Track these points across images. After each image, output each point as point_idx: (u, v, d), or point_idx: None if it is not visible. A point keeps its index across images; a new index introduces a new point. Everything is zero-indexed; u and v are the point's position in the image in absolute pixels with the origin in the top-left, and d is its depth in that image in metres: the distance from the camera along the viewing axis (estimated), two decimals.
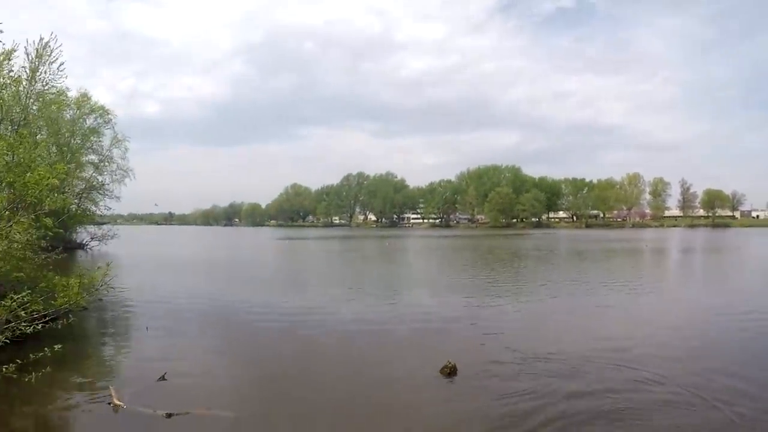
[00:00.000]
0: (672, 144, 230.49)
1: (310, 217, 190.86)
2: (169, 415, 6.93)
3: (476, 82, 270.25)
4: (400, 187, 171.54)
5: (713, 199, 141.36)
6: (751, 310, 15.44)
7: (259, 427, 7.15)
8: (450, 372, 8.98)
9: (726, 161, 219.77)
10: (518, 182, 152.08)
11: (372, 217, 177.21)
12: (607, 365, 9.52)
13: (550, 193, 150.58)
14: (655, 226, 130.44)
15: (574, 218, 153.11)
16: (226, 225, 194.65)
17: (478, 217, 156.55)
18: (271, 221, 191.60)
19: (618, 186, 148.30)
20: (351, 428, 7.15)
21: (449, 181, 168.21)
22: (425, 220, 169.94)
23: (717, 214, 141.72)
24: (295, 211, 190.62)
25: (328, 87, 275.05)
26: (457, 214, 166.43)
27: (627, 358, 9.99)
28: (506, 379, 8.87)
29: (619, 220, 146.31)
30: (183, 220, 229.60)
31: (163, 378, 8.45)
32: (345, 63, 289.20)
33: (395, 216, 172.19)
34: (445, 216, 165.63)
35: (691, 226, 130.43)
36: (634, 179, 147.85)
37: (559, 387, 8.34)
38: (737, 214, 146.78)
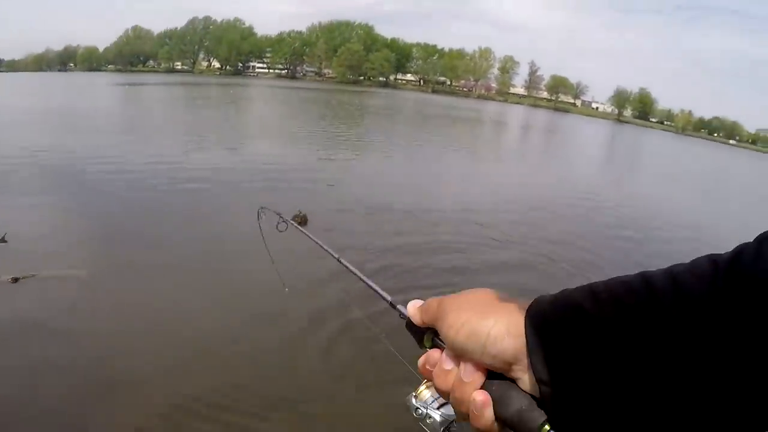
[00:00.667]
0: (527, 26, 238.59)
1: (151, 62, 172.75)
2: (15, 280, 6.52)
3: None
4: (247, 34, 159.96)
5: (558, 85, 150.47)
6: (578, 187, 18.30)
7: (111, 285, 6.84)
8: (301, 221, 9.19)
9: (578, 53, 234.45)
10: (369, 41, 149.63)
11: (216, 64, 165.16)
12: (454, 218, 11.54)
13: (400, 55, 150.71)
14: (499, 101, 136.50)
15: (422, 82, 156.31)
16: (60, 71, 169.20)
17: (326, 71, 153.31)
18: (110, 66, 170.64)
19: (468, 57, 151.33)
20: (198, 282, 7.23)
21: (299, 33, 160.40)
22: (271, 71, 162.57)
23: (559, 99, 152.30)
24: (135, 55, 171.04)
25: None
26: (305, 66, 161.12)
27: (467, 213, 12.17)
28: (354, 225, 10.12)
29: (465, 90, 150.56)
30: (12, 66, 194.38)
31: (2, 240, 7.79)
32: None
33: (240, 64, 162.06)
34: (292, 68, 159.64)
35: (534, 105, 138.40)
36: (486, 53, 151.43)
37: (395, 229, 10.17)
38: (578, 103, 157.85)
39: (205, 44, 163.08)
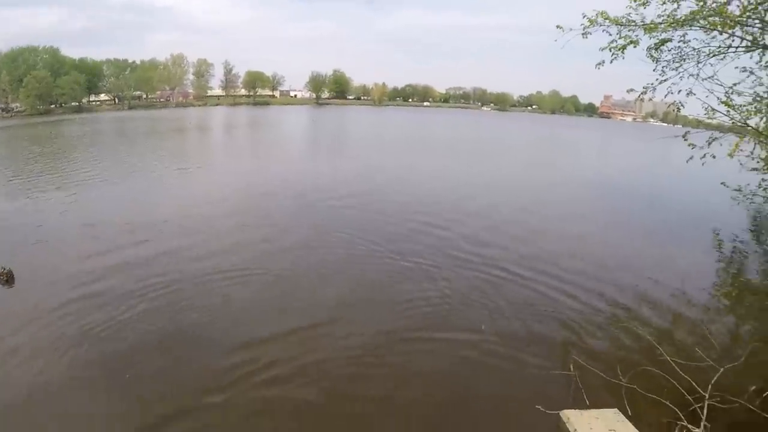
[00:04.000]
0: (218, 27, 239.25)
1: None
2: None
3: None
4: None
5: (255, 80, 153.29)
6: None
7: None
8: (7, 279, 9.22)
9: (269, 46, 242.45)
10: (57, 64, 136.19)
11: None
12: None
13: (91, 75, 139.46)
14: (199, 105, 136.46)
15: (116, 100, 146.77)
16: None
17: (14, 105, 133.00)
18: None
19: (162, 67, 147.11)
20: None
21: None
22: None
23: (258, 94, 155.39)
24: None
25: None
26: None
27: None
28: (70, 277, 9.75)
29: (162, 100, 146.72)
30: None
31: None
32: None
33: None
34: None
35: (234, 104, 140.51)
36: (179, 60, 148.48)
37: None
38: (277, 94, 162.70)
39: None
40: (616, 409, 5.30)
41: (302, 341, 7.49)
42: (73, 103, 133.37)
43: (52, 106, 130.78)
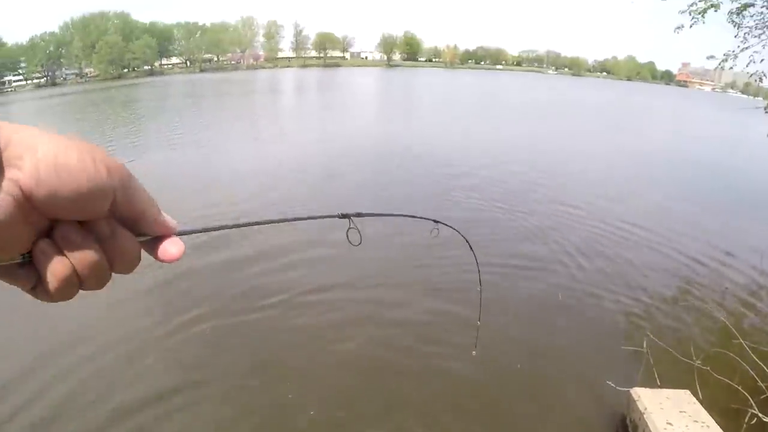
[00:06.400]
0: None
1: None
2: None
3: None
4: None
5: (325, 41, 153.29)
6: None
7: None
8: None
9: (338, 6, 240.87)
10: (128, 29, 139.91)
11: None
12: None
13: (162, 39, 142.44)
14: (269, 68, 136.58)
15: (187, 63, 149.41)
16: None
17: (87, 70, 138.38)
18: None
19: (232, 29, 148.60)
20: None
21: (53, 34, 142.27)
22: (29, 82, 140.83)
23: (329, 55, 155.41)
24: None
25: None
26: (64, 69, 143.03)
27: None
28: None
29: (233, 62, 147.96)
30: None
31: None
32: None
33: None
34: (51, 74, 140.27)
35: (304, 66, 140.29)
36: (249, 22, 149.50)
37: None
38: (347, 55, 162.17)
39: None
40: (687, 390, 5.08)
41: None
42: (145, 67, 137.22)
43: (125, 70, 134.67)
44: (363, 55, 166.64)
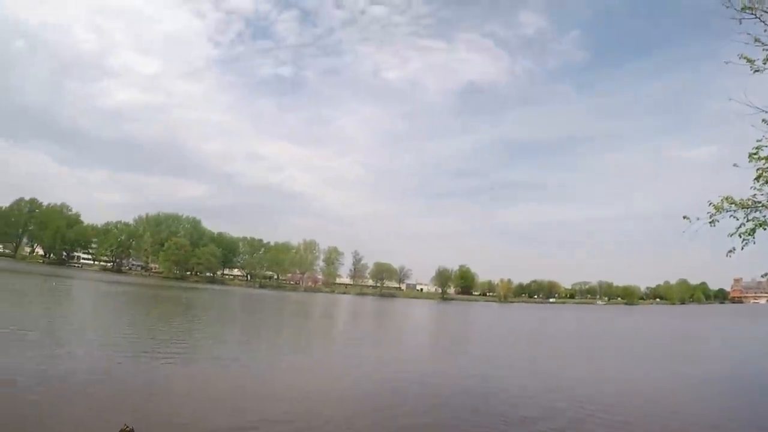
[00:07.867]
0: (349, 217, 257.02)
1: None
2: None
3: (175, 126, 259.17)
4: (73, 222, 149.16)
5: (382, 271, 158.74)
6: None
7: None
8: None
9: (396, 239, 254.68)
10: (197, 235, 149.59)
11: (40, 251, 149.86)
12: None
13: (227, 250, 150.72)
14: (327, 291, 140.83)
15: (248, 277, 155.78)
16: None
17: (153, 265, 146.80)
18: None
19: (294, 250, 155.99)
20: None
21: (126, 224, 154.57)
22: (96, 263, 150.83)
23: (385, 285, 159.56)
24: None
25: (24, 96, 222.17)
26: (131, 260, 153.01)
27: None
28: None
29: (292, 282, 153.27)
30: None
31: None
32: (50, 75, 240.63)
33: (65, 253, 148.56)
34: (118, 260, 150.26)
35: (361, 294, 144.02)
36: (311, 246, 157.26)
37: None
38: (403, 286, 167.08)
39: (30, 228, 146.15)
40: None
41: None
42: (207, 273, 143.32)
43: (188, 272, 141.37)
44: (418, 287, 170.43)
